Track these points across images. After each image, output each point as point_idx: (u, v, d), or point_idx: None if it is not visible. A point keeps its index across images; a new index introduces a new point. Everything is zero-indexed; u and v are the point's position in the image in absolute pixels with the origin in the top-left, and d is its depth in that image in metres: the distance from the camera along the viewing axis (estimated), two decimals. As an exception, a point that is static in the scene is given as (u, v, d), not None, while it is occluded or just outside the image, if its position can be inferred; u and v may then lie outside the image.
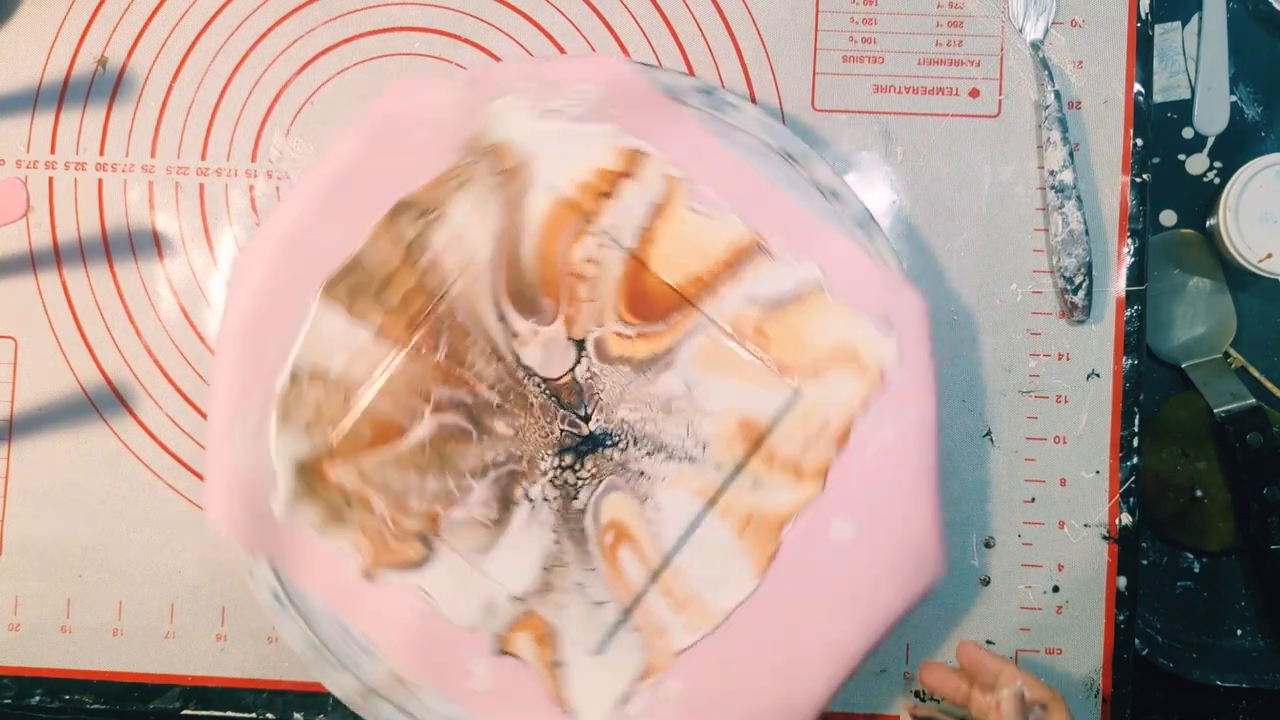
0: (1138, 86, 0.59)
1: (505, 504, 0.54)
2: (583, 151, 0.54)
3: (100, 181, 0.60)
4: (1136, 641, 0.63)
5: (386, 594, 0.54)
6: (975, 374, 0.59)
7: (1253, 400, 0.64)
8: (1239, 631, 0.66)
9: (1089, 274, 0.57)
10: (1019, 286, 0.59)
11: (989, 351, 0.59)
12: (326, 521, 0.54)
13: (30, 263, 0.60)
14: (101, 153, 0.60)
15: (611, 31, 0.60)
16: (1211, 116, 0.66)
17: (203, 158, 0.60)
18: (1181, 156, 0.67)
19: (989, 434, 0.59)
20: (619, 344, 0.54)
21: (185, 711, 0.59)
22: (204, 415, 0.60)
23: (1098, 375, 0.58)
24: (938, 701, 0.59)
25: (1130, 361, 0.58)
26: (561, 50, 0.60)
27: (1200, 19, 0.66)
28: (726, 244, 0.54)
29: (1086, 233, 0.57)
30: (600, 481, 0.55)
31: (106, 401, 0.60)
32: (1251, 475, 0.63)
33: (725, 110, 0.55)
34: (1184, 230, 0.67)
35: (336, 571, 0.54)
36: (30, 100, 0.60)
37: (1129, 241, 0.59)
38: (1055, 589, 0.58)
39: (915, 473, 0.53)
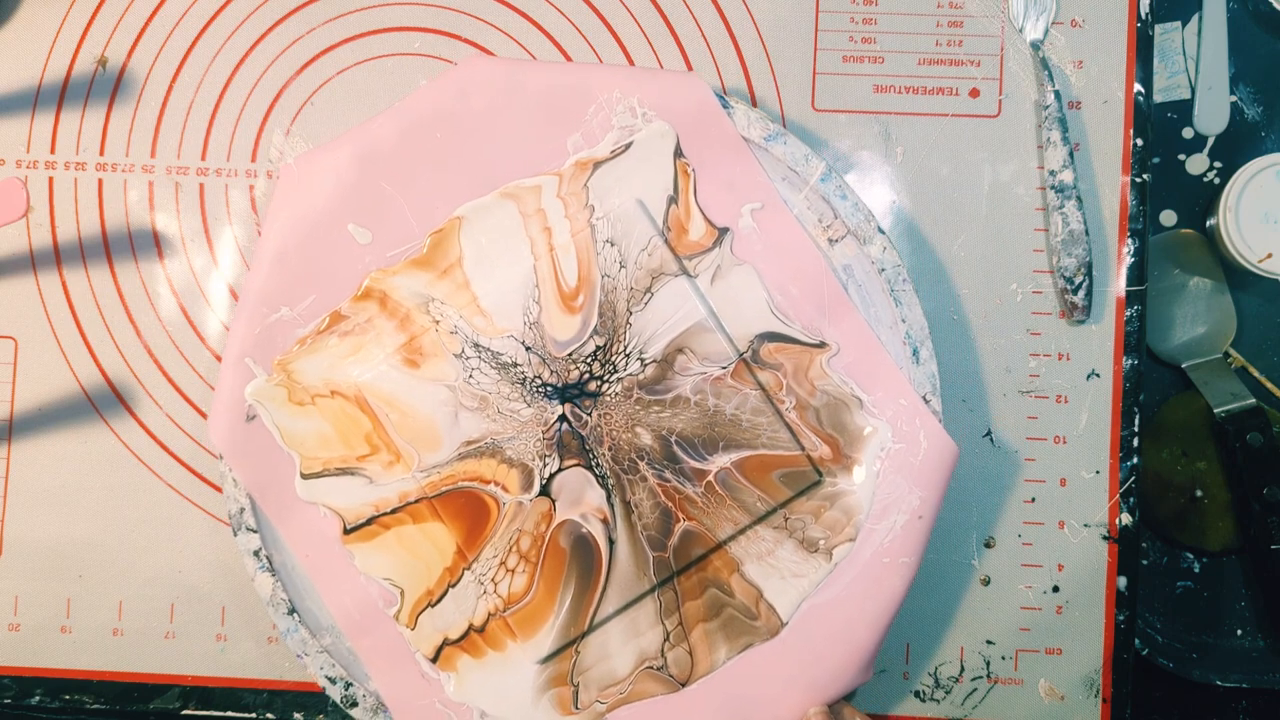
0: (1138, 86, 0.59)
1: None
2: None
3: (100, 181, 0.60)
4: (1136, 641, 0.63)
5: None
6: (975, 374, 0.59)
7: (1253, 400, 0.64)
8: (1239, 631, 0.66)
9: (1089, 274, 0.57)
10: (1019, 286, 0.59)
11: (989, 351, 0.59)
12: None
13: (30, 263, 0.60)
14: (101, 153, 0.60)
15: (612, 32, 0.60)
16: (1211, 116, 0.66)
17: (203, 158, 0.60)
18: (1181, 156, 0.67)
19: (989, 434, 0.59)
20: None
21: (185, 711, 0.60)
22: (204, 415, 0.60)
23: (1098, 375, 0.58)
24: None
25: (1130, 361, 0.58)
26: (564, 52, 0.60)
27: (1200, 19, 0.66)
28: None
29: (1086, 233, 0.57)
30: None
31: (106, 401, 0.60)
32: (1251, 475, 0.63)
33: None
34: (1184, 230, 0.67)
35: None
36: (30, 100, 0.60)
37: (1129, 241, 0.59)
38: (1055, 589, 0.58)
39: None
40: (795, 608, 0.54)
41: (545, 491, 0.55)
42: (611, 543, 0.55)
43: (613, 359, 0.55)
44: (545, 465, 0.55)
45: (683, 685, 0.55)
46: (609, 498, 0.55)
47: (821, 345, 0.55)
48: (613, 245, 0.55)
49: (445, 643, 0.55)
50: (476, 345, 0.55)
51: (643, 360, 0.55)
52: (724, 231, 0.55)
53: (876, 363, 0.55)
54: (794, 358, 0.55)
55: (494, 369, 0.55)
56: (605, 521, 0.55)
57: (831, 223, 0.55)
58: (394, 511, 0.55)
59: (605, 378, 0.55)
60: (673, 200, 0.55)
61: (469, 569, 0.55)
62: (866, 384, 0.55)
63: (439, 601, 0.55)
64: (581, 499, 0.55)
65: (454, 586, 0.55)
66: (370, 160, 0.55)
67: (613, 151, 0.55)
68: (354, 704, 0.55)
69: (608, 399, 0.55)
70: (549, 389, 0.55)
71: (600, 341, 0.55)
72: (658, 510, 0.55)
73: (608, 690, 0.55)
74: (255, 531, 0.55)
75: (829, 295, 0.55)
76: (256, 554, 0.55)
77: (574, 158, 0.55)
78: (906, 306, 0.55)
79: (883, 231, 0.55)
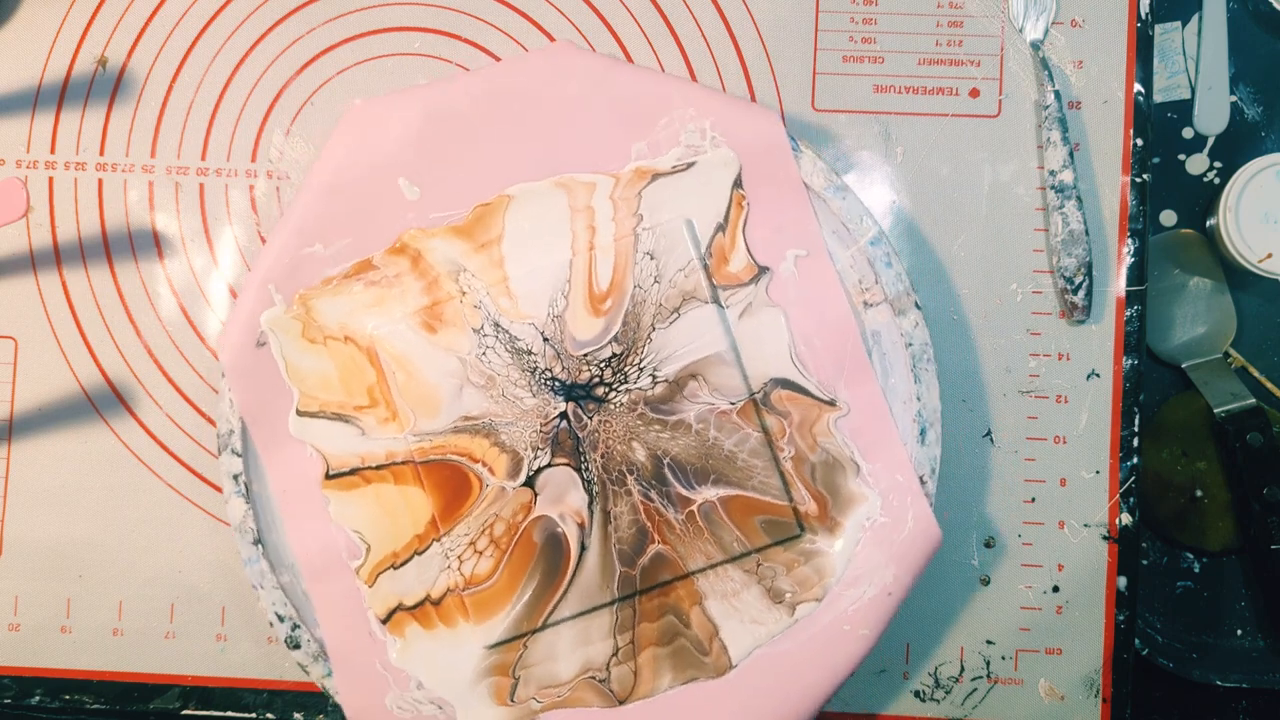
0: (1138, 86, 0.59)
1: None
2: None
3: (100, 181, 0.60)
4: (1136, 641, 0.63)
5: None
6: (975, 374, 0.59)
7: (1253, 400, 0.64)
8: (1239, 631, 0.66)
9: (1089, 274, 0.57)
10: (1019, 286, 0.59)
11: (989, 351, 0.59)
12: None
13: (30, 263, 0.60)
14: (101, 153, 0.60)
15: (612, 32, 0.60)
16: (1211, 116, 0.66)
17: (203, 158, 0.60)
18: (1181, 156, 0.67)
19: (989, 434, 0.59)
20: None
21: (185, 711, 0.60)
22: (204, 415, 0.60)
23: (1098, 375, 0.58)
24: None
25: (1130, 361, 0.58)
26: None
27: (1200, 19, 0.66)
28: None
29: (1086, 233, 0.57)
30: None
31: (106, 401, 0.60)
32: (1251, 475, 0.63)
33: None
34: (1184, 230, 0.67)
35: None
36: (30, 100, 0.60)
37: (1129, 241, 0.59)
38: (1055, 589, 0.58)
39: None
40: (747, 653, 0.55)
41: (530, 483, 0.55)
42: (583, 548, 0.55)
43: (626, 369, 0.55)
44: (536, 457, 0.55)
45: (620, 703, 0.55)
46: (590, 503, 0.55)
47: (832, 403, 0.55)
48: (652, 259, 0.55)
49: (399, 607, 0.55)
50: (496, 325, 0.55)
51: (655, 377, 0.55)
52: (764, 270, 0.55)
53: (883, 434, 0.55)
54: (803, 409, 0.55)
55: (508, 352, 0.55)
56: (582, 526, 0.55)
57: (871, 287, 0.55)
58: (378, 468, 0.55)
59: (615, 386, 0.55)
60: (721, 228, 0.55)
61: (439, 541, 0.55)
62: (868, 452, 0.55)
63: (402, 565, 0.55)
64: (563, 498, 0.55)
65: (420, 554, 0.55)
66: (438, 119, 0.55)
67: (674, 167, 0.55)
68: (297, 646, 0.55)
69: (612, 407, 0.55)
70: (557, 384, 0.55)
71: (618, 349, 0.55)
72: (635, 527, 0.55)
73: (546, 690, 0.55)
74: (240, 456, 0.56)
75: (851, 357, 0.55)
76: (236, 478, 0.56)
77: (635, 164, 0.55)
78: (925, 386, 0.55)
79: (919, 307, 0.55)
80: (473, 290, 0.55)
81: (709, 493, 0.55)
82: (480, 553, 0.55)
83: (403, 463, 0.55)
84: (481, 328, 0.55)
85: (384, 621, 0.55)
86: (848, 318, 0.55)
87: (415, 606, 0.55)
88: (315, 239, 0.55)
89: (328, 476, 0.55)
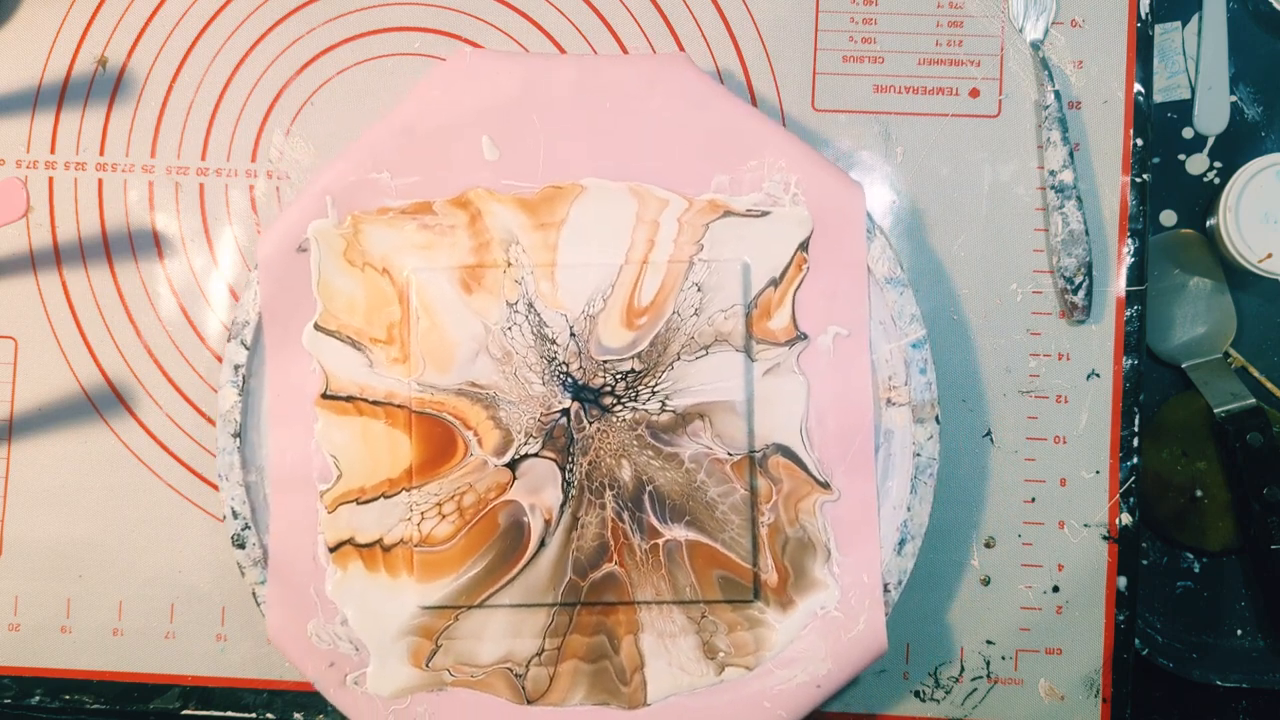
0: (1138, 86, 0.59)
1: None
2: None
3: (100, 181, 0.60)
4: (1136, 641, 0.63)
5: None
6: (975, 374, 0.59)
7: (1253, 400, 0.64)
8: (1239, 631, 0.66)
9: (1089, 274, 0.57)
10: (1019, 286, 0.59)
11: (989, 351, 0.59)
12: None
13: (30, 263, 0.60)
14: (101, 153, 0.60)
15: (611, 32, 0.60)
16: (1211, 116, 0.66)
17: (203, 158, 0.60)
18: (1181, 156, 0.67)
19: (989, 434, 0.59)
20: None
21: (185, 711, 0.60)
22: (204, 415, 0.60)
23: (1098, 375, 0.58)
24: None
25: (1130, 361, 0.58)
26: (560, 48, 0.60)
27: (1200, 19, 0.66)
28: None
29: (1086, 233, 0.57)
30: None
31: (106, 401, 0.60)
32: (1251, 475, 0.63)
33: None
34: (1184, 230, 0.67)
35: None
36: (30, 100, 0.60)
37: (1129, 241, 0.59)
38: (1055, 589, 0.58)
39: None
40: (664, 696, 0.55)
41: (513, 466, 0.56)
42: (542, 544, 0.55)
43: (639, 388, 0.55)
44: (526, 443, 0.56)
45: (528, 703, 0.55)
46: (563, 504, 0.55)
47: (826, 486, 0.55)
48: (699, 291, 0.55)
49: (350, 541, 0.56)
50: (530, 305, 0.56)
51: (664, 404, 0.55)
52: (801, 337, 0.55)
53: (864, 532, 0.55)
54: (795, 482, 0.55)
55: (533, 335, 0.55)
56: (548, 523, 0.55)
57: (899, 387, 0.55)
58: (375, 403, 0.56)
59: (623, 400, 0.55)
60: (774, 283, 0.55)
61: (408, 491, 0.56)
62: (843, 544, 0.55)
63: (366, 503, 0.56)
64: (539, 491, 0.55)
65: (387, 498, 0.56)
66: (536, 90, 0.55)
67: (749, 210, 0.55)
68: (241, 545, 0.56)
69: (614, 419, 0.55)
70: (569, 380, 0.56)
71: (638, 367, 0.55)
72: (598, 541, 0.55)
73: (462, 666, 0.56)
74: (247, 350, 0.56)
75: (859, 448, 0.55)
76: (236, 369, 0.56)
77: (712, 195, 0.55)
78: (919, 499, 0.55)
79: (939, 421, 0.55)
80: (519, 265, 0.55)
81: (679, 532, 0.55)
82: (444, 516, 0.55)
83: (399, 406, 0.56)
84: (516, 303, 0.56)
85: (331, 550, 0.56)
86: (867, 409, 0.55)
87: (366, 546, 0.56)
88: (384, 167, 0.55)
89: (324, 395, 0.56)
